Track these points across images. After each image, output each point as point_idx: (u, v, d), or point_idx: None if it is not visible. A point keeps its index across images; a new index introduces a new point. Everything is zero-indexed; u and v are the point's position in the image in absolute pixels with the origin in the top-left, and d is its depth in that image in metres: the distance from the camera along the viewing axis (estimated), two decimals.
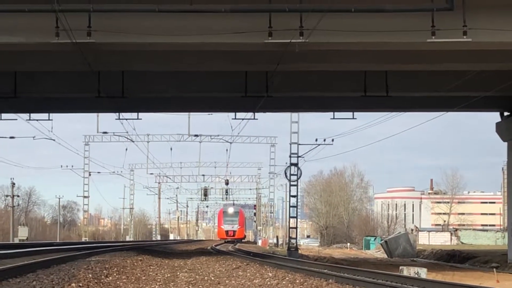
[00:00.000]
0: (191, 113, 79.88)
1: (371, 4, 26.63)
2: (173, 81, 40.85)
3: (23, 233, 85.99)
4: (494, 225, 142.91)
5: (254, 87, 38.67)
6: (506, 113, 45.89)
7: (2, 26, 28.28)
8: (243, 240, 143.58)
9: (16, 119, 56.02)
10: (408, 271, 27.91)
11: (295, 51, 29.59)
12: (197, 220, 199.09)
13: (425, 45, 28.09)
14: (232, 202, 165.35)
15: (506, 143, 46.71)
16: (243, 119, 48.96)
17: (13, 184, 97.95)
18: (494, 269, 35.41)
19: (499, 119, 46.79)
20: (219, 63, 35.44)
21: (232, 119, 49.35)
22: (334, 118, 47.26)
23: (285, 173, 60.24)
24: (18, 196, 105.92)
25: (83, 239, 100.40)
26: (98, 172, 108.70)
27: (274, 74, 36.38)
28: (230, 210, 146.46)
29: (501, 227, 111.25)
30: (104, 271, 21.59)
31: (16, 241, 76.91)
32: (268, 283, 18.46)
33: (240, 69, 37.70)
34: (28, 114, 51.72)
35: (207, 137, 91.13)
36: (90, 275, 19.24)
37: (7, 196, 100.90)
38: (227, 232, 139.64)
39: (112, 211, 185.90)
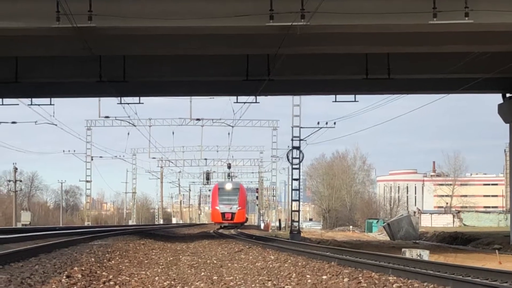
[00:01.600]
0: (192, 97, 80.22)
1: None
2: (175, 65, 40.82)
3: (26, 218, 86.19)
4: (496, 207, 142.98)
5: (255, 70, 38.63)
6: (508, 95, 45.85)
7: (2, 11, 28.26)
8: (244, 225, 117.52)
9: (18, 104, 56.17)
10: (410, 253, 27.93)
11: (296, 34, 29.52)
12: (199, 204, 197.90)
13: (427, 27, 28.05)
14: (230, 177, 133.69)
15: (508, 125, 46.69)
16: (244, 102, 48.59)
17: (16, 169, 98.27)
18: (497, 251, 35.44)
19: (501, 101, 46.78)
20: (220, 47, 35.39)
21: (234, 102, 49.31)
22: (336, 101, 47.44)
23: (287, 157, 60.92)
24: (20, 181, 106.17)
25: (86, 224, 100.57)
26: (100, 157, 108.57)
27: (276, 58, 36.37)
28: (228, 186, 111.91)
29: (504, 209, 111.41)
30: (107, 255, 21.63)
31: (19, 225, 77.11)
32: (270, 265, 18.47)
33: (241, 53, 37.66)
34: (30, 99, 51.71)
35: (209, 121, 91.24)
36: (93, 259, 19.25)
37: (9, 181, 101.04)
38: (223, 214, 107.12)
39: (115, 195, 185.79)
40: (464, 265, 20.98)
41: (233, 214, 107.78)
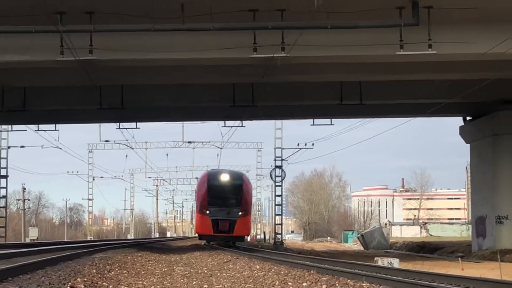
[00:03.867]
0: (185, 122, 79.89)
1: (345, 21, 26.64)
2: (168, 93, 40.86)
3: (33, 233, 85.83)
4: (459, 219, 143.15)
5: (241, 97, 38.71)
6: (468, 118, 46.15)
7: (12, 46, 28.26)
8: (245, 239, 69.75)
9: (26, 130, 56.89)
10: (382, 262, 27.93)
11: (278, 65, 29.64)
12: (192, 218, 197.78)
13: (394, 57, 28.14)
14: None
15: (469, 145, 46.94)
16: (232, 126, 51.08)
17: (24, 189, 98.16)
18: (460, 259, 35.47)
19: (462, 123, 47.03)
20: (209, 76, 35.48)
21: (222, 127, 49.28)
22: (314, 124, 47.67)
23: (271, 175, 64.20)
24: (28, 200, 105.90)
25: (88, 238, 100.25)
26: (101, 177, 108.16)
27: (260, 86, 36.54)
28: (224, 177, 60.48)
29: (466, 220, 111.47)
30: (107, 266, 21.57)
31: (27, 240, 76.60)
32: (256, 274, 18.46)
33: (229, 82, 37.74)
34: (37, 125, 52.03)
35: (199, 143, 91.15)
36: (94, 271, 19.22)
37: (18, 200, 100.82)
38: (215, 223, 56.81)
39: (115, 212, 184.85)
40: (431, 271, 21.01)
41: (232, 223, 54.10)
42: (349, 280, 16.50)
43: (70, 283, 14.49)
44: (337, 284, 15.31)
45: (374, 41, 27.62)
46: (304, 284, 15.46)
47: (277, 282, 16.02)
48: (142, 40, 28.24)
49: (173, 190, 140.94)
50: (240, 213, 53.59)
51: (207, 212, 53.69)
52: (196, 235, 77.43)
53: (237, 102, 39.03)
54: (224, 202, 54.12)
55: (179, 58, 29.52)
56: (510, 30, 27.76)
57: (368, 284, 15.59)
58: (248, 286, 14.91)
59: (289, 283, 15.59)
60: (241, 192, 54.93)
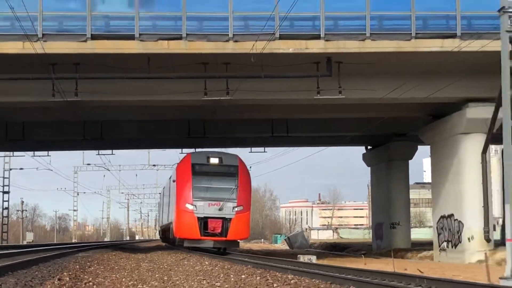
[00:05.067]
0: (150, 150, 79.49)
1: (275, 72, 26.76)
2: (137, 127, 40.62)
3: (29, 237, 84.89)
4: (362, 224, 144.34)
5: (195, 130, 38.67)
6: (369, 147, 46.63)
7: (13, 89, 27.97)
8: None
9: (24, 156, 56.69)
10: (303, 258, 28.00)
11: (224, 105, 29.76)
12: (155, 225, 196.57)
13: (313, 100, 28.35)
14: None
15: (369, 168, 47.39)
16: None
17: (22, 202, 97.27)
18: (363, 255, 35.72)
19: (365, 151, 47.49)
20: (170, 114, 35.43)
21: (180, 153, 48.36)
22: (251, 152, 47.61)
23: None
24: (26, 210, 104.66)
25: (73, 241, 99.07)
26: (84, 192, 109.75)
27: (209, 121, 36.63)
28: (214, 161, 33.99)
29: (367, 226, 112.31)
30: (88, 263, 21.35)
31: (25, 242, 75.45)
32: (205, 269, 18.39)
33: (185, 118, 37.65)
34: (33, 152, 51.70)
35: (162, 166, 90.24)
36: (78, 266, 19.02)
37: (18, 210, 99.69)
38: (202, 223, 32.19)
39: (94, 219, 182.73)
40: (340, 266, 21.12)
41: (225, 222, 33.17)
42: (277, 273, 16.54)
43: (58, 276, 14.33)
44: (268, 276, 15.32)
45: (297, 88, 27.82)
46: (243, 276, 15.44)
47: (222, 274, 15.99)
48: (117, 85, 28.11)
49: (141, 202, 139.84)
50: (236, 209, 32.38)
51: (192, 208, 32.03)
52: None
53: (191, 134, 38.94)
54: (214, 194, 32.71)
55: (146, 100, 29.43)
56: (400, 81, 28.17)
57: (292, 276, 15.64)
58: (199, 278, 14.86)
59: (231, 275, 15.57)
60: (237, 180, 33.18)
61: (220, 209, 31.99)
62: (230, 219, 32.05)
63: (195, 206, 31.99)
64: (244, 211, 32.77)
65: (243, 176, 33.63)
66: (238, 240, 34.64)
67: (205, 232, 31.67)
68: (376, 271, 17.66)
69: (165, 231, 47.14)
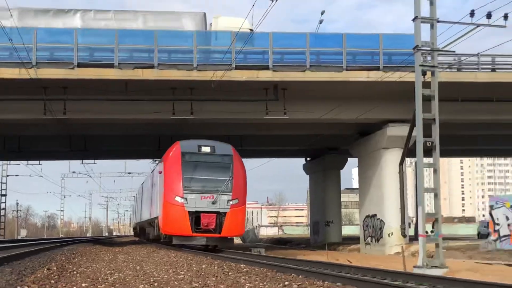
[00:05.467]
0: (126, 160, 78.58)
1: (232, 96, 26.84)
2: (116, 140, 40.15)
3: (23, 233, 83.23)
4: (302, 222, 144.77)
5: (164, 144, 38.32)
6: (308, 159, 46.87)
7: (10, 108, 27.60)
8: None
9: (19, 164, 55.99)
10: (254, 251, 27.97)
11: (188, 123, 29.69)
12: (130, 223, 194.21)
13: (263, 120, 28.45)
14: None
15: (308, 176, 47.61)
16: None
17: (17, 203, 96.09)
18: (303, 248, 35.81)
19: (305, 162, 47.70)
20: (143, 130, 35.15)
21: (150, 163, 47.89)
22: None
23: None
24: (20, 210, 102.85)
25: (60, 236, 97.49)
26: (70, 195, 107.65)
27: (176, 136, 36.35)
28: (206, 149, 26.37)
29: (307, 223, 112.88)
30: (72, 255, 20.99)
31: (19, 237, 73.91)
32: (172, 260, 18.20)
33: (156, 134, 37.36)
34: (27, 161, 51.23)
35: (136, 173, 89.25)
36: (64, 258, 18.69)
37: (13, 210, 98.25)
38: (195, 218, 24.34)
39: (78, 218, 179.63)
40: (284, 257, 21.14)
41: (220, 217, 25.04)
42: (232, 263, 16.45)
43: (47, 266, 14.06)
44: (224, 266, 15.23)
45: (250, 109, 27.88)
46: (203, 266, 15.32)
47: (185, 264, 15.85)
48: (99, 106, 27.83)
49: (118, 204, 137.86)
50: (231, 202, 25.75)
51: (182, 201, 25.28)
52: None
53: (161, 148, 38.66)
54: (207, 185, 25.81)
55: (123, 118, 29.17)
56: (334, 104, 28.42)
57: (244, 265, 15.57)
58: (166, 267, 14.70)
59: (193, 265, 15.44)
60: (232, 171, 26.40)
61: (213, 203, 24.82)
62: (225, 213, 24.86)
63: (186, 199, 24.79)
64: (239, 204, 25.71)
65: (238, 166, 26.40)
66: (233, 237, 27.36)
67: (197, 228, 24.58)
68: (313, 261, 17.73)
69: (144, 227, 39.22)
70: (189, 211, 24.59)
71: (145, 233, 38.91)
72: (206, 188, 25.30)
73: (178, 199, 24.83)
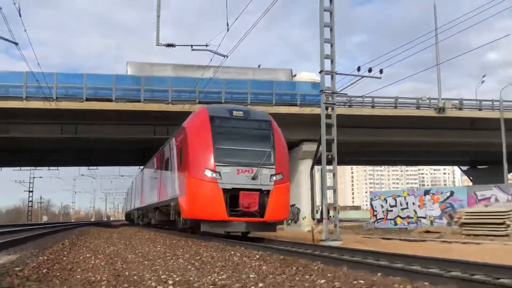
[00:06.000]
0: (120, 167, 76.67)
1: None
2: (112, 152, 39.29)
3: (45, 219, 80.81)
4: None
5: (148, 157, 37.78)
6: None
7: (37, 130, 26.81)
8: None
9: (42, 169, 54.10)
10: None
11: (165, 141, 29.28)
12: (122, 211, 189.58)
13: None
14: None
15: None
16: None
17: (41, 197, 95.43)
18: None
19: None
20: (132, 145, 34.43)
21: (138, 168, 47.19)
22: None
23: None
24: (43, 202, 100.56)
25: (72, 221, 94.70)
26: (79, 192, 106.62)
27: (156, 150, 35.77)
28: (239, 114, 12.06)
29: None
30: (82, 233, 20.36)
31: (42, 222, 71.43)
32: (152, 237, 17.79)
33: (141, 148, 36.72)
34: (48, 167, 50.15)
35: (127, 176, 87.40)
36: (74, 236, 18.07)
37: (38, 202, 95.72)
38: (232, 198, 11.06)
39: (85, 208, 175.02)
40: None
41: (262, 196, 11.27)
42: (194, 239, 16.18)
43: (61, 242, 13.60)
44: (189, 241, 14.98)
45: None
46: (174, 241, 15.05)
47: (162, 240, 15.54)
48: (101, 128, 27.36)
49: (113, 198, 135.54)
50: (275, 178, 12.87)
51: (214, 176, 12.52)
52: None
53: (145, 157, 38.07)
54: (245, 157, 12.98)
55: (118, 137, 28.61)
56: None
57: (202, 240, 15.35)
58: (148, 242, 14.38)
59: (167, 240, 15.16)
60: (273, 140, 13.70)
61: (253, 178, 13.54)
62: (268, 191, 13.72)
63: (219, 173, 13.36)
64: (284, 181, 14.18)
65: (278, 135, 14.98)
66: (279, 221, 14.60)
67: (233, 210, 13.37)
68: (253, 237, 17.56)
69: (144, 213, 28.46)
70: (224, 189, 13.28)
71: (142, 219, 29.55)
72: (243, 160, 13.81)
73: (208, 173, 13.40)
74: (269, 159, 13.00)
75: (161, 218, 20.47)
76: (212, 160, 12.80)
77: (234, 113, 13.91)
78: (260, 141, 13.64)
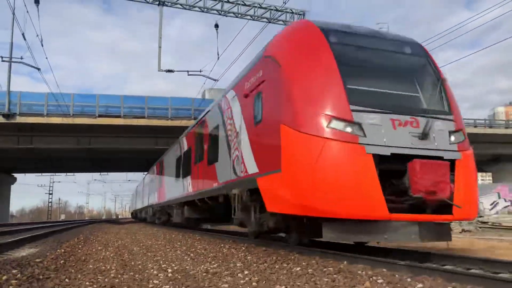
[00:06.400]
0: (127, 173, 75.40)
1: None
2: (121, 161, 38.87)
3: (62, 217, 79.13)
4: None
5: (149, 165, 37.42)
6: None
7: (56, 141, 26.40)
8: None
9: (61, 175, 52.95)
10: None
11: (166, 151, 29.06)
12: (129, 210, 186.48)
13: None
14: None
15: None
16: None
17: (59, 199, 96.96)
18: None
19: None
20: (135, 155, 34.05)
21: (143, 174, 46.85)
22: None
23: None
24: (61, 203, 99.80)
25: (86, 219, 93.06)
26: (92, 194, 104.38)
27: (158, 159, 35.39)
28: (365, 30, 3.13)
29: None
30: (94, 229, 19.99)
31: (60, 219, 70.03)
32: (154, 232, 17.57)
33: (143, 157, 36.25)
34: (66, 173, 49.13)
35: (133, 181, 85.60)
36: (87, 231, 17.73)
37: (57, 203, 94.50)
38: (382, 171, 2.45)
39: (97, 207, 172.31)
40: (219, 229, 20.53)
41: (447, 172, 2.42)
42: (190, 233, 16.02)
43: (76, 237, 13.33)
44: (186, 236, 14.81)
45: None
46: (173, 235, 14.87)
47: (162, 235, 15.36)
48: (110, 140, 27.08)
49: (122, 199, 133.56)
50: (456, 138, 3.22)
51: (351, 130, 3.16)
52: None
53: (148, 167, 37.68)
54: (399, 99, 3.39)
55: (124, 147, 28.36)
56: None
57: (198, 235, 15.19)
58: (150, 237, 14.20)
59: (167, 235, 14.98)
60: (438, 74, 3.61)
61: (423, 137, 3.62)
62: (453, 162, 3.77)
63: (360, 126, 3.55)
64: (469, 144, 4.15)
65: (439, 69, 4.86)
66: (471, 217, 4.03)
67: (393, 200, 3.61)
68: (238, 232, 17.37)
69: (164, 209, 19.16)
70: (373, 155, 4.33)
71: (158, 217, 21.47)
72: (398, 103, 4.81)
73: (339, 125, 4.32)
74: (441, 103, 5.36)
75: (194, 216, 12.56)
76: (343, 101, 5.04)
77: (362, 30, 5.90)
78: (418, 74, 5.72)
